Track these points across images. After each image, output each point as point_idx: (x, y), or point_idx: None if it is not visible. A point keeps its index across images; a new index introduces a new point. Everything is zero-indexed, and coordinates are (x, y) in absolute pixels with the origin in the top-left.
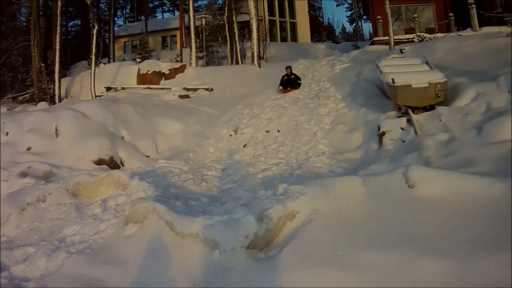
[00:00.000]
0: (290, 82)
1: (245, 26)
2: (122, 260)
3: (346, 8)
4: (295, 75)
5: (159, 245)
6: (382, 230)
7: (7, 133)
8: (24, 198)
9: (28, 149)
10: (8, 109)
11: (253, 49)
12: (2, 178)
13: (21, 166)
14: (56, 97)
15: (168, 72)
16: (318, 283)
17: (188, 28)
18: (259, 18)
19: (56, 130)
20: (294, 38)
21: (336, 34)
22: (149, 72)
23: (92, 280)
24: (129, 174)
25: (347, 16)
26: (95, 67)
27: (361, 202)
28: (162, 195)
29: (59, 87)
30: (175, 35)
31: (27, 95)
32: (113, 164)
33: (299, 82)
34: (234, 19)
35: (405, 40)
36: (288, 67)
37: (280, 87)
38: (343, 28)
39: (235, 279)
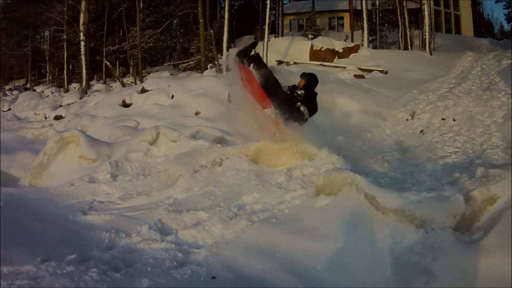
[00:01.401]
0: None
1: (411, 14)
2: (312, 232)
3: (504, 5)
4: (311, 90)
5: (356, 220)
6: None
7: (172, 96)
8: (198, 160)
9: (197, 113)
10: (171, 74)
11: (425, 35)
12: (171, 138)
13: (189, 129)
14: (224, 67)
15: (341, 50)
16: None
17: (356, 10)
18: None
19: (229, 96)
20: (458, 30)
21: (495, 31)
22: (322, 49)
23: (277, 252)
24: (316, 146)
25: (505, 14)
26: (268, 38)
27: None
28: (352, 170)
29: (228, 57)
30: (342, 17)
31: (192, 63)
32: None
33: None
34: (404, 3)
35: None
36: (304, 76)
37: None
38: (501, 26)
39: (444, 261)
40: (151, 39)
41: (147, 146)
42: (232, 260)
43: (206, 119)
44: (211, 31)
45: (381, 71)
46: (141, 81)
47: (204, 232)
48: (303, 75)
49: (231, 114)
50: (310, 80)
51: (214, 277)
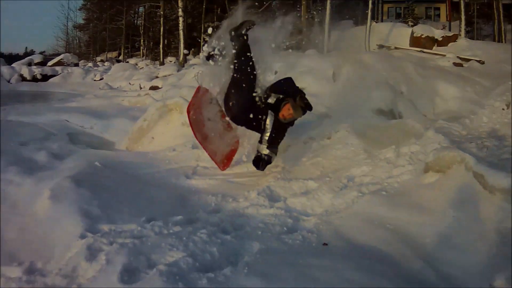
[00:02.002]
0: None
1: (505, 9)
2: (421, 207)
3: None
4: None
5: (463, 197)
6: None
7: (276, 72)
8: (307, 132)
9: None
10: (273, 52)
11: None
12: None
13: None
14: (325, 48)
15: (441, 39)
16: None
17: (453, 1)
18: None
19: (334, 74)
20: None
21: None
22: (422, 36)
23: (388, 224)
24: (423, 125)
25: None
26: (370, 23)
27: None
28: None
29: (328, 38)
30: (438, 8)
31: (294, 42)
32: (390, 117)
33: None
34: None
35: None
36: (296, 107)
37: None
38: None
39: None
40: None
41: None
42: (342, 228)
43: (311, 95)
44: (314, 13)
45: (479, 61)
46: None
47: (314, 201)
48: (294, 105)
49: (335, 92)
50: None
51: (325, 244)
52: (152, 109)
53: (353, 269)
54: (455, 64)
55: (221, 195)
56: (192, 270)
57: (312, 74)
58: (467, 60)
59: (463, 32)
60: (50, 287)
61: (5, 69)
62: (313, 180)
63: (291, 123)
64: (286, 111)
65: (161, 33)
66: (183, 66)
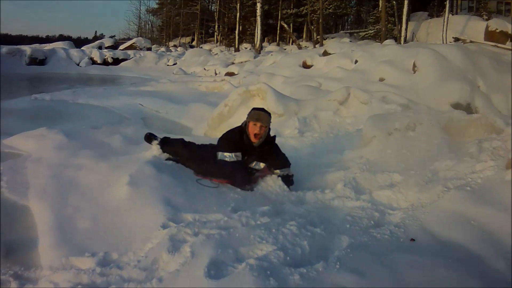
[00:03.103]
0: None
1: None
2: (504, 205)
3: None
4: (273, 144)
5: None
6: None
7: (356, 61)
8: (393, 123)
9: (381, 79)
10: (350, 41)
11: None
12: (361, 100)
13: (374, 94)
14: (402, 38)
15: None
16: None
17: None
18: None
19: (414, 66)
20: None
21: None
22: (497, 31)
23: (471, 220)
24: (504, 120)
25: None
26: (448, 15)
27: None
28: None
29: (406, 29)
30: (509, 3)
31: (371, 32)
32: (467, 111)
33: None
34: None
35: None
36: (262, 116)
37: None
38: None
39: None
40: (331, 6)
41: (337, 105)
42: (429, 224)
43: (391, 86)
44: (394, 1)
45: None
46: (321, 45)
47: (399, 194)
48: (256, 116)
49: (415, 83)
50: (266, 115)
51: (413, 240)
52: (235, 94)
53: (442, 266)
54: None
55: (307, 186)
56: (284, 264)
57: (391, 64)
58: None
59: None
60: (127, 280)
61: (74, 52)
62: (398, 173)
63: None
64: (253, 127)
65: (237, 19)
66: (259, 53)
